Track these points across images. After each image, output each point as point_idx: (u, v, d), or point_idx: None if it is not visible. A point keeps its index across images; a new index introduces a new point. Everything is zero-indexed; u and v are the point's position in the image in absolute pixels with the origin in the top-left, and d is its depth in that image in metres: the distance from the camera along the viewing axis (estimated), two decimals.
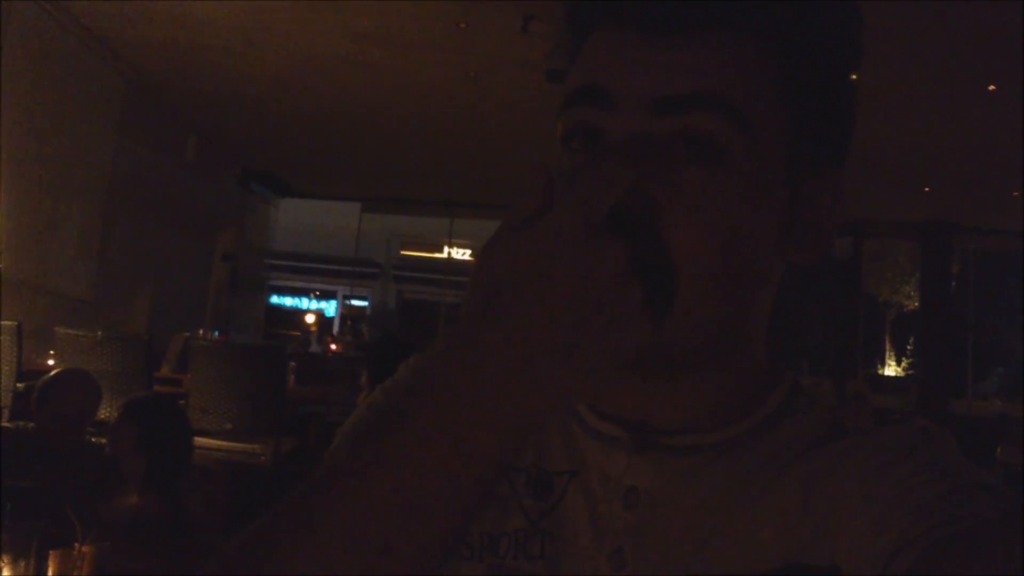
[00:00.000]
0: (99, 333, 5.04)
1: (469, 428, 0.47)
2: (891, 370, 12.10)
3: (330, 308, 19.85)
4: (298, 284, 18.94)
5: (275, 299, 17.89)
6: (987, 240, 10.84)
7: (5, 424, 3.68)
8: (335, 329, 17.03)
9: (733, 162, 0.57)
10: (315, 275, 18.76)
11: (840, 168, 0.65)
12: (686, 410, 0.64)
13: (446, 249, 14.25)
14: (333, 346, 10.56)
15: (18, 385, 4.61)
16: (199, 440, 3.85)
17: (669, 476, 0.62)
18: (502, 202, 10.07)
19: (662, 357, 0.58)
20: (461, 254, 14.07)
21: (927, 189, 8.31)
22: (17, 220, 6.00)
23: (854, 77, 0.64)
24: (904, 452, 0.57)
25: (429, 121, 7.66)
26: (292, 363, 6.07)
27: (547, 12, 5.02)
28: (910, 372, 10.80)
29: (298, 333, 14.66)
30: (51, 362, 5.08)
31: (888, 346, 12.34)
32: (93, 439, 3.30)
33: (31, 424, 3.23)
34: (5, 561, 1.86)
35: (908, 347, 11.55)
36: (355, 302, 19.80)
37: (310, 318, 16.85)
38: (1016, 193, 7.90)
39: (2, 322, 4.75)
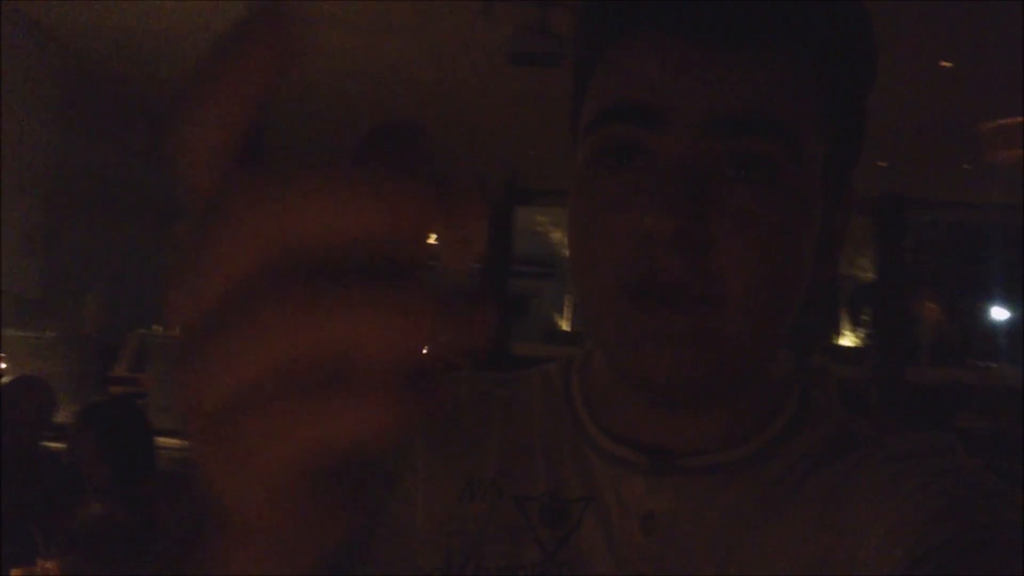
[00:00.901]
0: (50, 334, 4.91)
1: None
2: (848, 341, 12.31)
3: None
4: None
5: None
6: (939, 212, 11.08)
7: None
8: None
9: (784, 181, 0.55)
10: None
11: (851, 184, 0.64)
12: (702, 431, 0.62)
13: None
14: None
15: None
16: (161, 441, 3.77)
17: (686, 499, 0.61)
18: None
19: (705, 389, 0.58)
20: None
21: (882, 164, 8.44)
22: None
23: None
24: (915, 462, 0.58)
25: (388, 105, 7.56)
26: None
27: None
28: (868, 343, 10.99)
29: None
30: (2, 366, 4.94)
31: (845, 317, 12.57)
32: (51, 444, 3.22)
33: None
34: None
35: (864, 318, 11.76)
36: None
37: None
38: (967, 166, 8.03)
39: None
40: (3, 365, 4.92)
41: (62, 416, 3.86)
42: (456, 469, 0.67)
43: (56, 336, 4.88)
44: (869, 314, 10.81)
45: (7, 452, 2.99)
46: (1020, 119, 6.60)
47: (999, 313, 15.10)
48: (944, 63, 5.57)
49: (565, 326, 15.86)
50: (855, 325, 12.40)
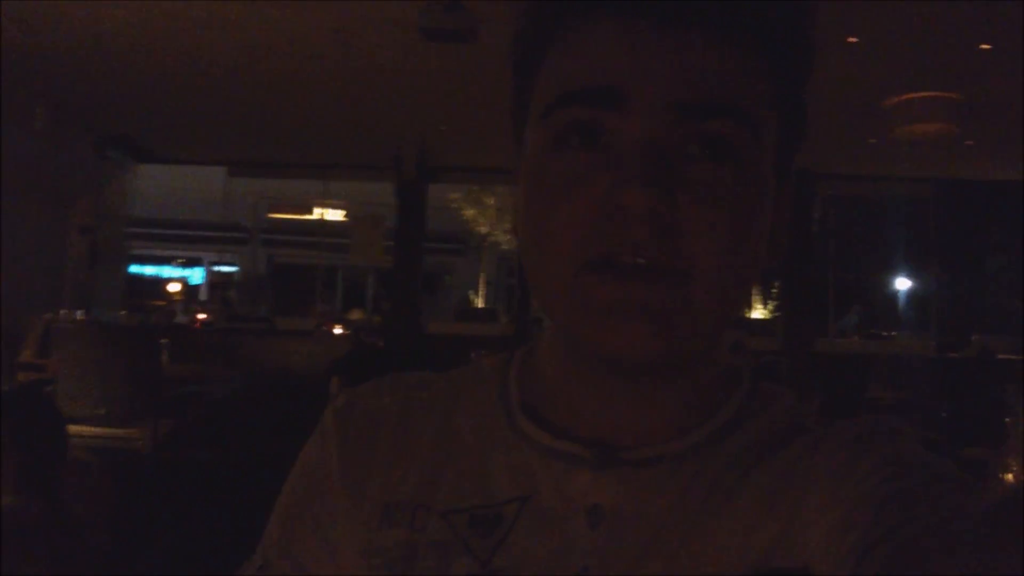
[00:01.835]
0: None
1: None
2: (759, 313, 12.61)
3: (195, 276, 19.17)
4: (160, 252, 18.18)
5: (135, 268, 17.07)
6: (845, 185, 11.42)
7: None
8: (203, 297, 16.47)
9: (744, 161, 0.57)
10: (179, 242, 18.06)
11: (792, 173, 0.66)
12: (645, 421, 0.62)
13: (316, 210, 13.90)
14: (201, 315, 10.13)
15: None
16: (72, 428, 3.64)
17: (632, 490, 0.61)
18: (378, 163, 9.91)
19: (666, 364, 0.58)
20: (334, 215, 13.72)
21: None
22: None
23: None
24: (864, 447, 0.58)
25: (295, 81, 7.37)
26: (164, 340, 5.81)
27: None
28: (776, 314, 11.28)
29: (163, 303, 14.14)
30: None
31: (755, 291, 12.89)
32: None
33: None
34: None
35: (773, 290, 12.06)
36: (223, 268, 19.18)
37: (174, 287, 16.24)
38: (873, 140, 8.28)
39: None
40: None
41: None
42: (373, 493, 0.66)
43: None
44: (778, 287, 11.07)
45: None
46: (925, 94, 6.83)
47: (903, 284, 15.71)
48: (851, 38, 5.70)
49: (479, 303, 15.88)
50: (765, 298, 12.72)
